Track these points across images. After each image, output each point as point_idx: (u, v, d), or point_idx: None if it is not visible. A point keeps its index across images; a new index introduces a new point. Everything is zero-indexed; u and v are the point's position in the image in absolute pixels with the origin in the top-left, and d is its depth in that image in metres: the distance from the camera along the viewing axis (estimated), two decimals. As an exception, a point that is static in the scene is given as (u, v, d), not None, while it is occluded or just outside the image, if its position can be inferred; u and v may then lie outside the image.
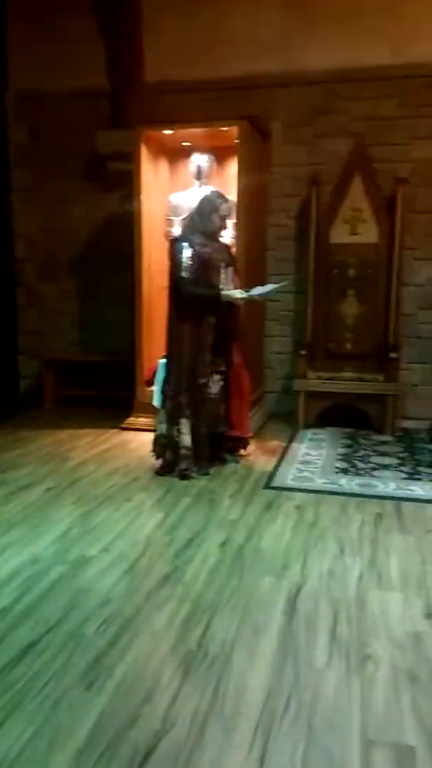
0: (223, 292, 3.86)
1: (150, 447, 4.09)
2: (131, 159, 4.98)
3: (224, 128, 4.81)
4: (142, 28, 5.53)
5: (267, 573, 2.67)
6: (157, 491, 3.66)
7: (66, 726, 1.77)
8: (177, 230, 5.06)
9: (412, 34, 5.01)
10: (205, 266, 3.85)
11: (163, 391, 4.01)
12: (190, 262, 3.82)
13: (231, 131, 4.77)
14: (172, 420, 3.92)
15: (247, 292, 3.94)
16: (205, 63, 5.38)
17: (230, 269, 4.01)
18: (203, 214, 3.93)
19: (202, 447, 3.94)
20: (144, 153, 4.93)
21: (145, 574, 2.66)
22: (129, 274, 5.12)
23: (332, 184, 5.18)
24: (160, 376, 4.89)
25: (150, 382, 5.03)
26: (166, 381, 4.00)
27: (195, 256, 3.82)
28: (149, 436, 4.77)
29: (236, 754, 1.67)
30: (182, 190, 5.17)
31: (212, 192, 4.13)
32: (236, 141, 4.75)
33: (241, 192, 4.68)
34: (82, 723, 1.78)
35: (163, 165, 5.40)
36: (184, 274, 3.83)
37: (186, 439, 3.88)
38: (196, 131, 4.95)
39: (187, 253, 3.82)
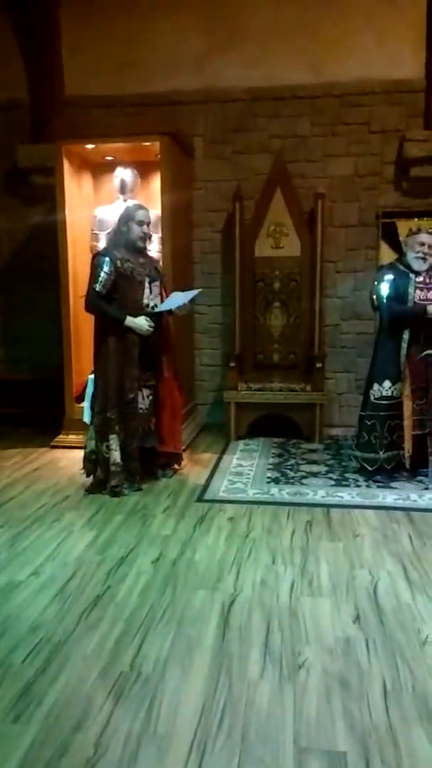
0: (127, 320, 3.75)
1: (81, 465, 4.02)
2: (54, 173, 4.91)
3: (146, 143, 4.83)
4: (61, 42, 5.49)
5: (200, 587, 2.67)
6: (89, 510, 3.60)
7: (-6, 761, 1.71)
8: (102, 244, 5.04)
9: (327, 55, 5.20)
10: (126, 281, 3.80)
11: (92, 407, 3.93)
12: (108, 277, 3.75)
13: (153, 146, 4.80)
14: (101, 436, 3.85)
15: (158, 308, 3.90)
16: (126, 78, 5.40)
17: (156, 284, 3.97)
18: (123, 226, 3.89)
19: (132, 462, 3.90)
20: (66, 167, 4.88)
21: (76, 597, 2.60)
22: (54, 289, 5.04)
23: (254, 199, 5.29)
24: (89, 391, 4.84)
25: (80, 398, 4.95)
26: (94, 396, 3.93)
27: (113, 271, 3.75)
28: (80, 454, 4.67)
29: (171, 775, 1.66)
30: (107, 204, 5.14)
31: (131, 203, 4.11)
32: (158, 156, 4.78)
33: (165, 206, 4.70)
34: (11, 757, 1.72)
35: (87, 179, 5.36)
36: (96, 286, 3.76)
37: (116, 456, 3.82)
38: (119, 146, 4.95)
39: (106, 267, 3.75)
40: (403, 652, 2.18)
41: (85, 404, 4.87)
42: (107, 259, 3.78)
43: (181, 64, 5.36)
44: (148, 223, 3.95)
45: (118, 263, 3.78)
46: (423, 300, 3.90)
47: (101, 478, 3.87)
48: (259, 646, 2.23)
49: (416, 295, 3.90)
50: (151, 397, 4.00)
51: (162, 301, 3.98)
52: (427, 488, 3.84)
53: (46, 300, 5.41)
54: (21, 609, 2.50)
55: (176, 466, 4.25)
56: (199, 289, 4.26)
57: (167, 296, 4.04)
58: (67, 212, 4.89)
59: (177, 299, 3.96)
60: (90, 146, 4.97)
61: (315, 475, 4.16)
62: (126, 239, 3.86)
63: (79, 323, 5.11)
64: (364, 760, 1.69)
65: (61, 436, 4.99)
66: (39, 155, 5.31)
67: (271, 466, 4.36)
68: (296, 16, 5.19)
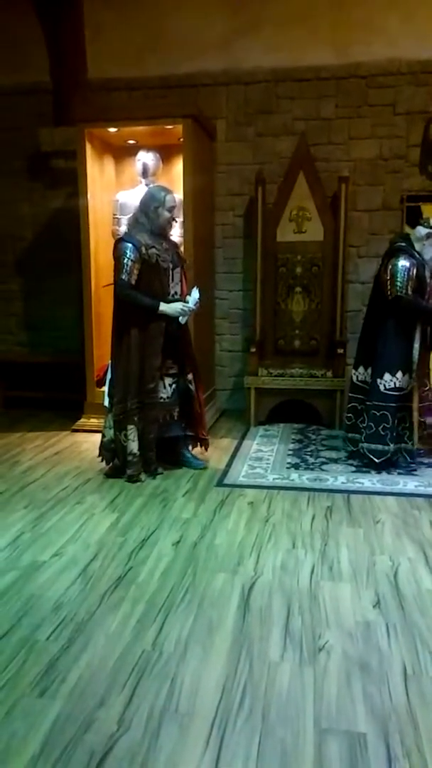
0: (161, 307, 3.65)
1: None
2: (76, 157, 4.91)
3: (169, 126, 4.80)
4: (83, 25, 5.47)
5: (221, 570, 2.69)
6: (110, 493, 3.63)
7: (20, 734, 1.75)
8: (124, 229, 5.04)
9: (352, 36, 5.11)
10: (151, 268, 3.68)
11: (110, 395, 3.89)
12: (133, 264, 3.64)
13: (176, 129, 4.77)
14: (120, 426, 3.79)
15: (188, 304, 3.76)
16: (148, 61, 5.37)
17: (178, 270, 3.86)
18: (148, 211, 3.71)
19: (149, 452, 3.83)
20: (89, 150, 4.88)
21: (99, 577, 2.64)
22: (76, 274, 5.07)
23: (277, 183, 5.25)
24: (110, 376, 4.87)
25: (100, 383, 4.99)
26: (112, 384, 3.88)
27: (138, 258, 3.64)
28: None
29: (192, 752, 1.69)
30: (129, 188, 5.13)
31: (154, 186, 3.95)
32: (181, 139, 4.76)
33: (188, 190, 4.69)
34: (37, 730, 1.76)
35: (109, 163, 5.35)
36: (124, 276, 3.65)
37: (133, 446, 3.77)
38: (141, 129, 4.92)
39: (130, 254, 3.63)
40: (424, 637, 2.18)
41: (106, 389, 4.92)
42: (131, 245, 3.65)
43: (203, 45, 5.30)
44: (177, 208, 3.85)
45: (143, 249, 3.64)
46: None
47: (118, 467, 3.87)
48: (280, 628, 2.25)
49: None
50: (174, 386, 3.90)
51: (182, 289, 3.88)
52: (448, 475, 3.82)
53: (68, 284, 5.45)
54: (44, 589, 2.55)
55: (204, 453, 4.18)
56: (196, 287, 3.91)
57: (188, 283, 3.97)
58: (89, 196, 4.89)
59: (194, 294, 3.81)
60: (112, 129, 4.95)
61: (335, 461, 4.16)
62: (152, 224, 3.72)
63: (101, 308, 5.13)
64: (384, 742, 1.70)
65: (82, 420, 5.04)
66: (61, 139, 5.32)
67: (291, 452, 4.36)
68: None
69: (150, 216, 3.72)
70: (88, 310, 5.03)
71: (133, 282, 3.67)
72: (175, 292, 3.83)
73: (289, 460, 4.17)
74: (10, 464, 4.17)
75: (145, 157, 4.98)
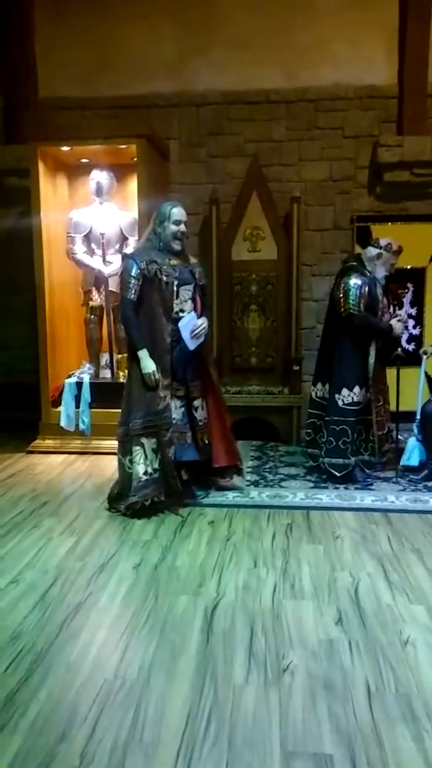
0: (140, 353, 3.50)
1: (58, 470, 3.97)
2: (28, 175, 4.87)
3: (123, 146, 4.82)
4: (34, 44, 5.44)
5: (183, 592, 2.66)
6: (68, 516, 3.56)
7: (-22, 774, 1.68)
8: (78, 247, 5.01)
9: (300, 60, 5.25)
10: (150, 284, 3.52)
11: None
12: (136, 282, 3.51)
13: (129, 149, 4.80)
14: (123, 450, 3.60)
15: (186, 345, 3.55)
16: (100, 81, 5.38)
17: (188, 288, 3.60)
18: (156, 226, 3.61)
19: (171, 479, 3.55)
20: (42, 169, 4.85)
21: (58, 605, 2.57)
22: (29, 292, 4.99)
23: (230, 203, 5.31)
24: (67, 396, 4.81)
25: (56, 403, 4.92)
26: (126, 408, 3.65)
27: (140, 274, 3.51)
28: (58, 459, 4.69)
29: (158, 783, 1.65)
30: (83, 207, 5.11)
31: (165, 202, 3.73)
32: (134, 159, 4.77)
33: (142, 210, 4.69)
34: (-4, 769, 1.70)
35: (62, 181, 5.32)
36: (129, 295, 3.52)
37: (139, 469, 3.54)
38: (95, 148, 4.93)
39: (133, 271, 3.52)
40: (386, 653, 2.20)
41: (62, 408, 4.85)
42: (133, 261, 3.55)
43: (155, 66, 5.35)
44: (185, 222, 3.66)
45: (143, 264, 3.51)
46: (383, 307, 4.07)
47: (117, 492, 3.64)
48: (244, 650, 2.23)
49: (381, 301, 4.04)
50: (183, 409, 3.64)
51: (196, 308, 3.65)
52: (403, 489, 3.90)
53: (21, 303, 5.36)
54: (1, 618, 2.47)
55: (228, 479, 3.94)
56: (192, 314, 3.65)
57: (203, 307, 3.73)
58: (42, 215, 4.85)
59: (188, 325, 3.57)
60: (65, 148, 4.94)
61: (294, 477, 4.19)
62: (159, 240, 3.60)
63: (55, 327, 5.07)
64: (351, 762, 1.70)
65: (37, 441, 4.94)
66: (12, 157, 5.26)
67: (249, 469, 4.37)
68: (269, 22, 5.23)
69: (157, 231, 3.61)
70: (42, 329, 4.96)
71: (136, 299, 3.55)
72: (181, 310, 3.57)
73: (248, 478, 4.17)
74: (-38, 489, 4.04)
75: (99, 176, 4.97)
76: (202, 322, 3.59)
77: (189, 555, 3.04)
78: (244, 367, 5.32)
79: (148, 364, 3.51)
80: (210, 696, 1.99)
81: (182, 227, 3.61)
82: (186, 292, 3.61)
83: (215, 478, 3.93)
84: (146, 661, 2.18)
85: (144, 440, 3.54)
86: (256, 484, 4.05)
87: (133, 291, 3.53)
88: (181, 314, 3.56)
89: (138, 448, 3.55)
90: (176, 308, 3.56)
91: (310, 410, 4.31)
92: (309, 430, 4.27)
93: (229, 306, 5.30)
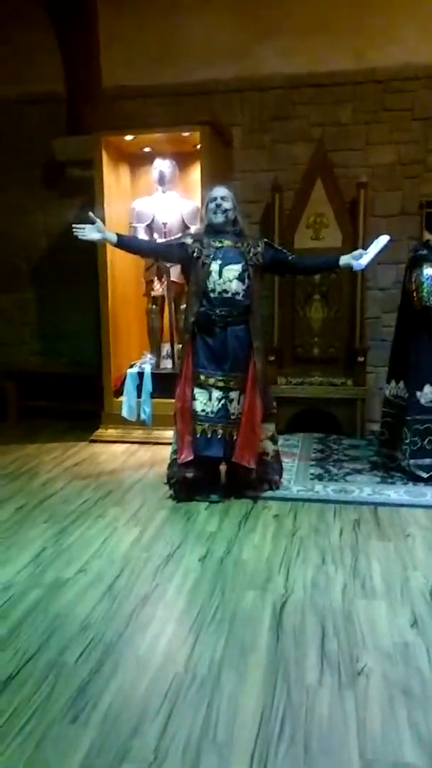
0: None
1: (121, 459, 3.99)
2: (91, 165, 4.88)
3: (185, 133, 4.77)
4: (97, 33, 5.44)
5: (250, 587, 2.62)
6: (132, 505, 3.57)
7: (54, 764, 1.68)
8: (142, 237, 5.00)
9: (369, 42, 5.06)
10: (189, 261, 3.56)
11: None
12: (177, 239, 3.75)
13: (192, 137, 4.74)
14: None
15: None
16: (162, 69, 5.33)
17: (233, 267, 3.48)
18: (203, 214, 3.71)
19: (196, 471, 3.57)
20: (105, 159, 4.84)
21: (125, 595, 2.57)
22: (92, 283, 5.02)
23: (293, 190, 5.19)
24: (129, 386, 4.82)
25: (118, 393, 4.94)
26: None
27: (183, 246, 3.59)
28: (120, 448, 4.72)
29: (234, 784, 1.62)
30: (145, 196, 5.09)
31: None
32: (197, 146, 4.72)
33: (205, 198, 4.61)
34: (70, 760, 1.70)
35: (124, 171, 5.31)
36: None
37: (171, 448, 3.73)
38: (157, 137, 4.89)
39: (182, 237, 3.75)
40: (466, 660, 2.10)
41: (124, 399, 4.87)
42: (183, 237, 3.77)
43: (218, 52, 5.26)
44: (223, 197, 3.57)
45: (189, 240, 3.59)
46: None
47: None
48: (316, 650, 2.17)
49: None
50: (222, 402, 3.53)
51: (247, 289, 3.50)
52: None
53: (84, 293, 5.40)
54: (70, 607, 2.48)
55: (266, 486, 3.71)
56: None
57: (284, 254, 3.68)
58: (105, 205, 4.85)
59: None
60: (128, 137, 4.92)
61: (359, 471, 4.08)
62: (209, 220, 3.60)
63: (117, 317, 5.09)
64: (435, 774, 1.63)
65: (99, 431, 4.98)
66: (76, 148, 5.28)
67: (313, 463, 4.29)
68: (338, 6, 5.06)
69: (204, 217, 3.70)
70: (104, 319, 4.99)
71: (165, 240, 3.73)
72: (225, 290, 3.48)
73: (312, 471, 4.09)
74: (28, 477, 4.11)
75: (162, 165, 4.94)
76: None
77: (255, 549, 2.99)
78: (306, 357, 5.21)
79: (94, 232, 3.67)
80: (283, 697, 1.94)
81: (218, 201, 3.57)
82: (231, 272, 3.50)
83: (240, 473, 3.66)
84: (216, 656, 2.14)
85: (177, 420, 3.60)
86: (320, 477, 3.97)
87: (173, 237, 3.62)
88: (224, 294, 3.49)
89: (174, 427, 3.62)
90: (219, 288, 3.49)
91: (384, 409, 4.14)
92: (383, 430, 4.12)
93: (291, 295, 5.20)
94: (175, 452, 3.62)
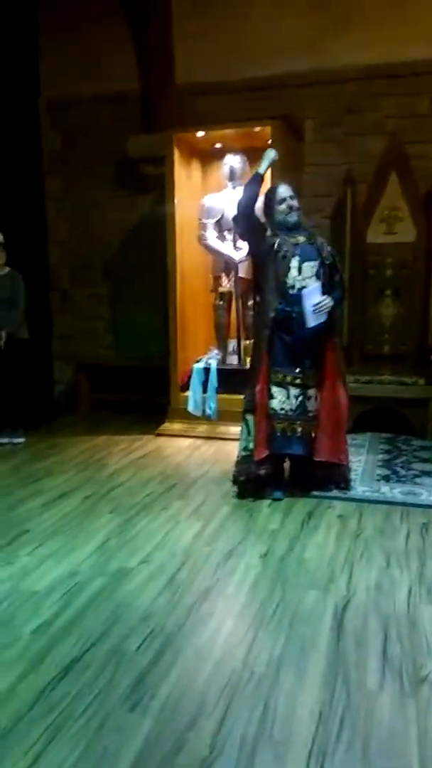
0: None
1: (186, 453, 4.02)
2: (163, 162, 4.94)
3: (257, 128, 4.74)
4: (171, 30, 5.49)
5: (311, 586, 2.59)
6: (195, 500, 3.60)
7: (112, 750, 1.72)
8: (210, 234, 5.02)
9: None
10: (268, 255, 3.48)
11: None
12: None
13: (264, 131, 4.71)
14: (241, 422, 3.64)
15: (309, 322, 3.41)
16: (234, 64, 5.32)
17: (311, 264, 3.45)
18: (268, 212, 3.61)
19: (262, 469, 3.54)
20: (176, 155, 4.89)
21: (186, 588, 2.59)
22: (161, 278, 5.09)
23: (366, 183, 5.07)
24: (195, 381, 4.86)
25: (185, 387, 4.99)
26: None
27: (264, 240, 3.52)
28: (184, 442, 4.76)
29: (289, 784, 1.60)
30: (215, 192, 5.11)
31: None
32: (269, 141, 4.68)
33: (275, 193, 4.59)
34: (128, 747, 1.73)
35: (196, 167, 5.35)
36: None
37: (240, 444, 3.60)
38: (229, 132, 4.90)
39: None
40: None
41: (190, 394, 4.92)
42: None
43: (291, 46, 5.19)
44: (291, 196, 3.55)
45: (269, 231, 3.54)
46: None
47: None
48: (377, 654, 2.12)
49: None
50: (300, 399, 3.49)
51: (323, 286, 3.45)
52: None
53: (154, 289, 5.48)
54: (132, 597, 2.53)
55: (342, 486, 3.65)
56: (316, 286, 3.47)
57: (333, 287, 3.52)
58: (176, 201, 4.90)
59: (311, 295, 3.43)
60: (200, 134, 4.95)
61: (429, 474, 3.95)
62: (275, 221, 3.55)
63: (186, 312, 5.13)
64: None
65: (165, 425, 5.05)
66: (149, 145, 5.36)
67: (380, 463, 4.18)
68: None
69: (270, 216, 3.59)
70: (173, 315, 5.04)
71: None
72: (303, 286, 3.43)
73: (378, 472, 3.99)
74: (97, 467, 4.22)
75: (233, 161, 4.93)
76: (326, 300, 3.43)
77: (318, 548, 2.95)
78: (376, 355, 5.09)
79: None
80: (342, 699, 1.90)
81: (289, 202, 3.53)
82: (309, 268, 3.47)
83: (317, 471, 3.66)
84: (275, 654, 2.13)
85: (248, 416, 3.54)
86: (387, 479, 3.87)
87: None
88: (300, 291, 3.43)
89: (243, 423, 3.57)
90: (298, 284, 3.44)
91: None
92: None
93: (362, 291, 5.08)
94: (246, 449, 3.57)
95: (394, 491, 3.64)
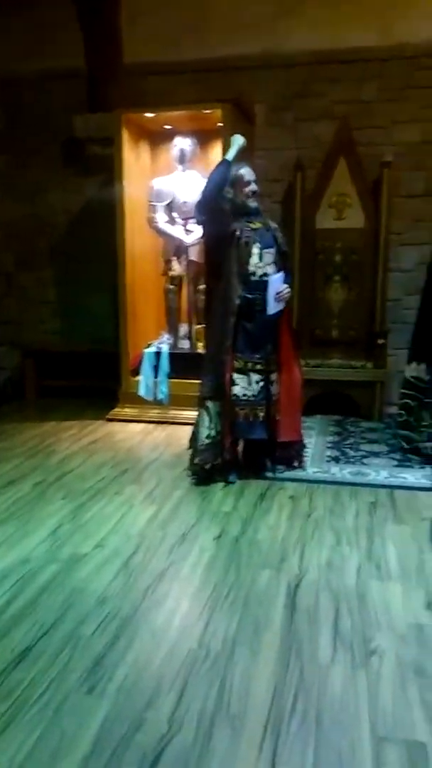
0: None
1: (138, 438, 4.01)
2: (111, 143, 4.85)
3: (208, 111, 4.71)
4: (119, 7, 5.37)
5: (265, 566, 2.64)
6: (148, 484, 3.60)
7: (70, 733, 1.72)
8: (160, 216, 4.97)
9: (397, 16, 4.93)
10: (229, 244, 3.45)
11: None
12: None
13: (214, 114, 4.68)
14: (198, 411, 3.64)
15: (269, 310, 3.45)
16: (185, 44, 5.25)
17: (270, 251, 3.51)
18: (228, 193, 3.52)
19: (221, 451, 3.54)
20: (125, 136, 4.81)
21: (141, 571, 2.60)
22: (111, 261, 5.02)
23: (316, 169, 5.11)
24: (146, 365, 4.84)
25: (136, 372, 4.96)
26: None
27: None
28: (137, 427, 4.75)
29: (246, 756, 1.64)
30: (165, 175, 5.06)
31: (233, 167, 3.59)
32: (220, 124, 4.66)
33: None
34: (87, 729, 1.73)
35: (145, 149, 5.28)
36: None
37: (203, 433, 3.54)
38: (179, 114, 4.84)
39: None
40: None
41: (141, 378, 4.90)
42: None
43: (242, 28, 5.16)
44: (255, 180, 3.56)
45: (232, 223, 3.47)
46: None
47: (191, 453, 3.66)
48: (329, 629, 2.19)
49: None
50: (261, 383, 3.53)
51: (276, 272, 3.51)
52: None
53: (102, 272, 5.40)
54: (87, 581, 2.52)
55: (296, 464, 3.76)
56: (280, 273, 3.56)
57: (285, 273, 3.57)
58: (125, 183, 4.83)
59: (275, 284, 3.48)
60: (149, 115, 4.88)
61: (376, 454, 4.06)
62: (235, 205, 3.51)
63: (135, 297, 5.09)
64: (446, 754, 1.63)
65: (116, 409, 5.01)
66: (96, 125, 5.25)
67: (330, 445, 4.28)
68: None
69: (228, 197, 3.52)
70: (122, 299, 4.99)
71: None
72: (265, 273, 3.48)
73: (328, 453, 4.08)
74: (46, 454, 4.15)
75: (182, 143, 4.90)
76: (287, 287, 3.51)
77: (270, 529, 3.00)
78: (325, 339, 5.16)
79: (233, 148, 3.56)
80: (296, 674, 1.96)
81: (253, 186, 3.54)
82: (269, 255, 3.53)
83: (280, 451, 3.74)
84: (230, 633, 2.17)
85: (210, 404, 3.55)
86: (336, 460, 3.96)
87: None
88: (264, 278, 3.48)
89: (203, 410, 3.58)
90: (259, 271, 3.48)
91: (403, 390, 4.10)
92: (402, 411, 4.09)
93: (311, 276, 5.14)
94: (209, 437, 3.54)
95: (344, 472, 3.73)
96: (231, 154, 3.58)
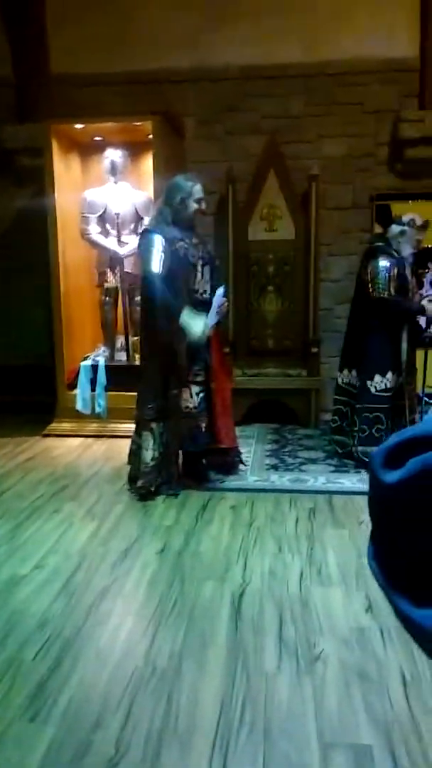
0: (182, 319, 3.33)
1: (76, 453, 3.94)
2: (41, 154, 4.78)
3: (138, 123, 4.72)
4: (46, 18, 5.31)
5: (208, 578, 2.64)
6: (88, 500, 3.54)
7: (14, 761, 1.67)
8: (93, 228, 4.93)
9: (321, 33, 5.10)
10: (178, 263, 3.37)
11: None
12: (164, 256, 3.32)
13: (144, 126, 4.69)
14: (137, 432, 3.59)
15: (209, 321, 3.45)
16: (114, 56, 5.25)
17: (208, 268, 3.57)
18: (173, 202, 3.44)
19: (171, 467, 3.56)
20: (55, 147, 4.75)
21: (83, 590, 2.55)
22: (44, 274, 4.93)
23: (246, 182, 5.20)
24: (83, 379, 4.77)
25: (72, 386, 4.88)
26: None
27: (168, 250, 3.34)
28: (74, 442, 4.66)
29: (196, 773, 1.63)
30: (96, 186, 5.02)
31: (180, 176, 3.60)
32: (150, 136, 4.67)
33: (158, 188, 4.59)
34: (31, 757, 1.68)
35: (76, 160, 5.22)
36: (154, 269, 3.31)
37: (147, 455, 3.51)
38: (109, 126, 4.83)
39: (159, 245, 3.33)
40: (419, 641, 2.17)
41: (78, 392, 4.82)
42: (159, 236, 3.36)
43: (172, 41, 5.21)
44: (203, 199, 3.55)
45: (169, 241, 3.37)
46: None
47: (132, 474, 3.63)
48: (274, 638, 2.21)
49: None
50: (201, 395, 3.55)
51: (212, 289, 3.57)
52: None
53: (35, 285, 5.30)
54: (27, 604, 2.45)
55: (234, 470, 3.82)
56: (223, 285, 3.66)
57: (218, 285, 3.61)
58: (56, 195, 4.77)
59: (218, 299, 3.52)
60: (79, 126, 4.84)
61: (314, 461, 4.14)
62: (178, 216, 3.45)
63: (70, 309, 5.02)
64: (390, 753, 1.68)
65: (53, 424, 4.91)
66: (26, 135, 5.16)
67: (269, 453, 4.33)
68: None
69: (175, 207, 3.44)
70: (57, 312, 4.91)
71: (163, 275, 3.33)
72: (205, 291, 3.53)
73: (267, 461, 4.13)
74: (-20, 472, 4.02)
75: (113, 155, 4.88)
76: (225, 300, 3.57)
77: (212, 540, 3.01)
78: (261, 349, 5.24)
79: (199, 323, 3.37)
80: (243, 685, 1.96)
81: (203, 205, 3.55)
82: (207, 271, 3.57)
83: (214, 460, 3.80)
84: (176, 648, 2.15)
85: (153, 425, 3.52)
86: (275, 468, 4.01)
87: (159, 264, 3.31)
88: (204, 295, 3.52)
89: (147, 433, 3.53)
90: (200, 288, 3.52)
91: (336, 396, 4.21)
92: (335, 417, 4.19)
93: (246, 287, 5.21)
94: (153, 459, 3.52)
95: (283, 479, 3.79)
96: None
